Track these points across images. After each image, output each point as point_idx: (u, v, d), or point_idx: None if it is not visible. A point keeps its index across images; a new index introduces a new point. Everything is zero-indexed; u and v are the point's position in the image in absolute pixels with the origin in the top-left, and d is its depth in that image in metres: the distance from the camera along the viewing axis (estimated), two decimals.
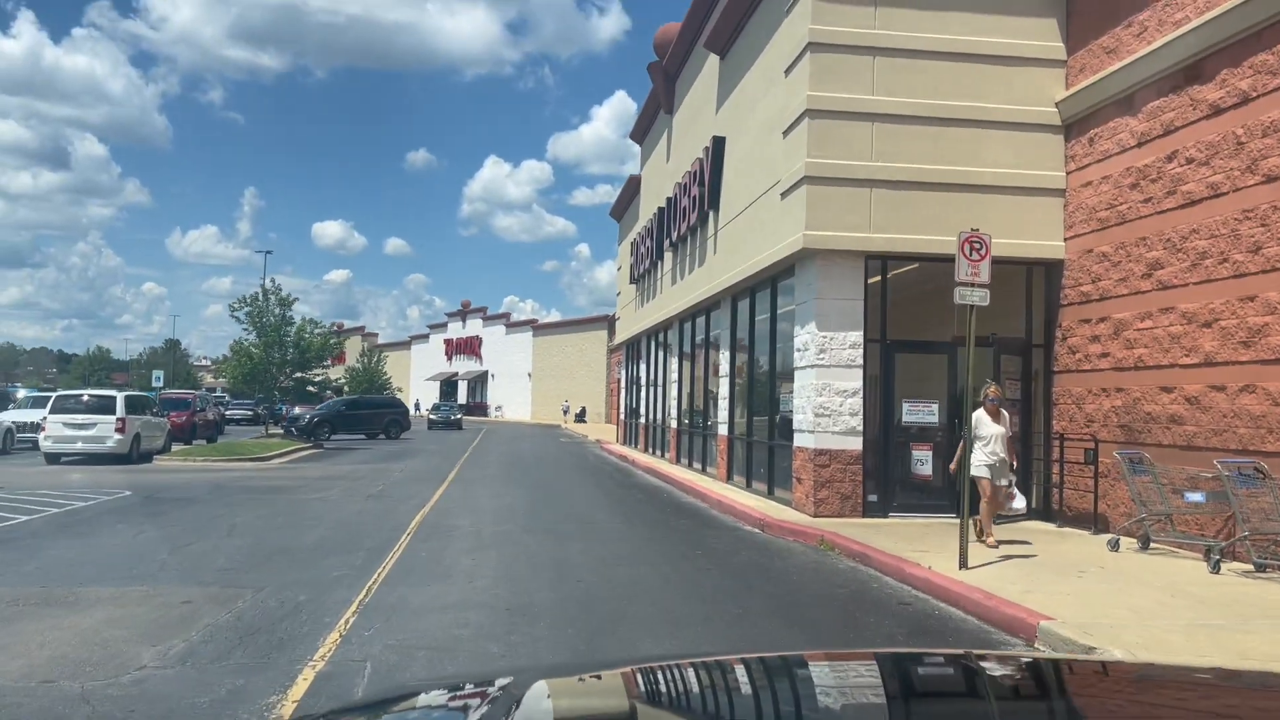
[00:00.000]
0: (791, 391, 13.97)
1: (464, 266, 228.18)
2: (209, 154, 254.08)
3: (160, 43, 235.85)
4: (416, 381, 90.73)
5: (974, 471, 9.92)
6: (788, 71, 13.65)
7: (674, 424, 23.35)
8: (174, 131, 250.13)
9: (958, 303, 9.21)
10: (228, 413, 44.11)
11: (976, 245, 9.19)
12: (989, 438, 10.08)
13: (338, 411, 35.14)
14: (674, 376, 23.39)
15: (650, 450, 27.57)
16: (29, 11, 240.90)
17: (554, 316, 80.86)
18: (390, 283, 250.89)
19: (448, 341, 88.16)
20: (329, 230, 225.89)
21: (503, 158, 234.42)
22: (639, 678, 2.23)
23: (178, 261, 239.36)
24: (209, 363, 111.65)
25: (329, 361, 34.21)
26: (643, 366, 29.16)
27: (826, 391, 12.78)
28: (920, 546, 10.27)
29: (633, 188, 31.25)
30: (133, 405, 24.27)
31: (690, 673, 2.25)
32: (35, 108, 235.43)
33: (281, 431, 33.13)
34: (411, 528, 12.51)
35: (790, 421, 14.07)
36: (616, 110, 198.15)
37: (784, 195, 13.59)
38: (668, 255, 23.55)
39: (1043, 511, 12.99)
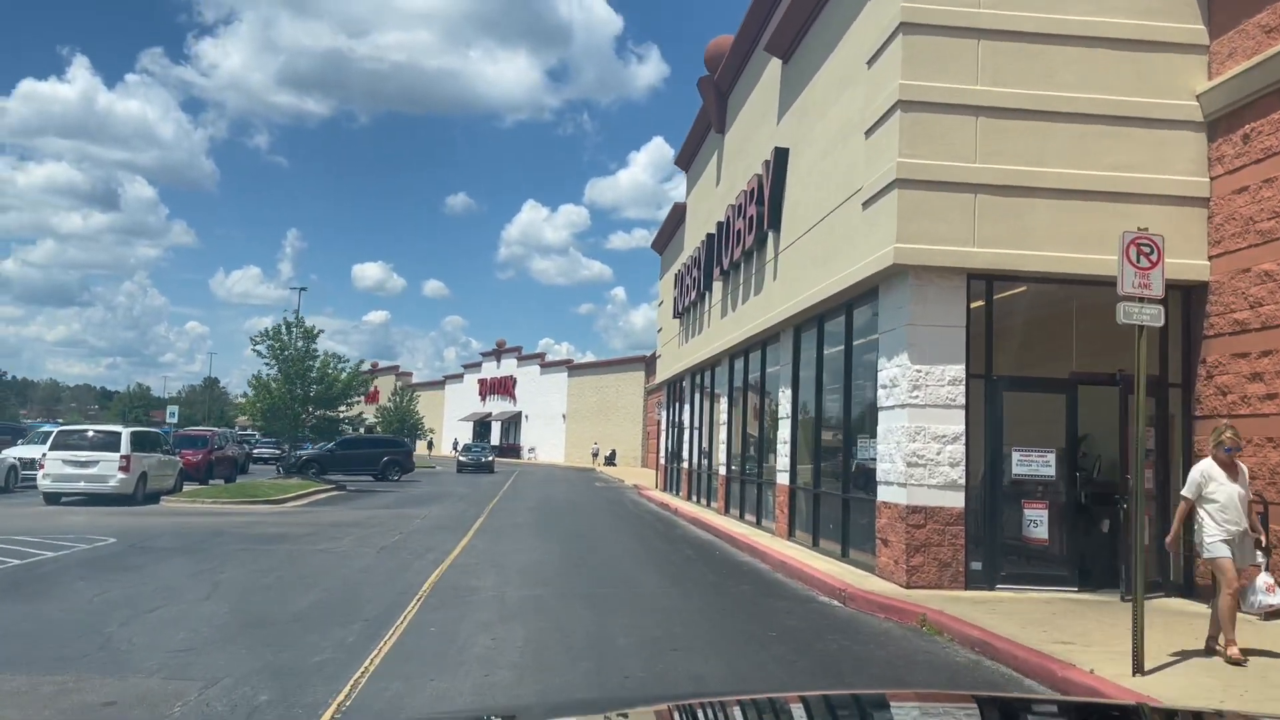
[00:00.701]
0: (872, 437, 11.87)
1: (500, 309, 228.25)
2: (253, 196, 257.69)
3: (210, 89, 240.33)
4: (450, 421, 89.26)
5: (1209, 551, 7.33)
6: (871, 61, 11.74)
7: (722, 471, 21.23)
8: (220, 174, 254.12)
9: (1122, 322, 7.12)
10: (256, 451, 42.55)
11: (1145, 249, 7.13)
12: (1225, 501, 7.34)
13: (328, 451, 32.73)
14: (723, 418, 21.31)
15: (695, 498, 25.41)
16: (84, 58, 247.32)
17: (590, 358, 79.18)
18: (428, 324, 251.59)
19: (481, 381, 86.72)
20: (369, 271, 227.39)
21: (540, 202, 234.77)
22: (676, 718, 1.94)
23: (220, 301, 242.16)
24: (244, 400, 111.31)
25: (356, 398, 32.53)
26: (686, 407, 27.12)
27: (921, 436, 10.66)
28: (1058, 635, 8.08)
29: (677, 217, 29.44)
30: (140, 442, 22.63)
31: (737, 712, 1.98)
32: (87, 151, 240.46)
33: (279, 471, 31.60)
34: (424, 590, 10.54)
35: (870, 472, 11.95)
36: (654, 156, 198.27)
37: (867, 205, 11.61)
38: (717, 286, 21.60)
39: (1183, 587, 10.70)
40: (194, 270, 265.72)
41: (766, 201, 16.24)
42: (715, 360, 22.20)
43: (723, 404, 21.45)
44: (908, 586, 10.51)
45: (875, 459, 11.68)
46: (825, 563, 12.73)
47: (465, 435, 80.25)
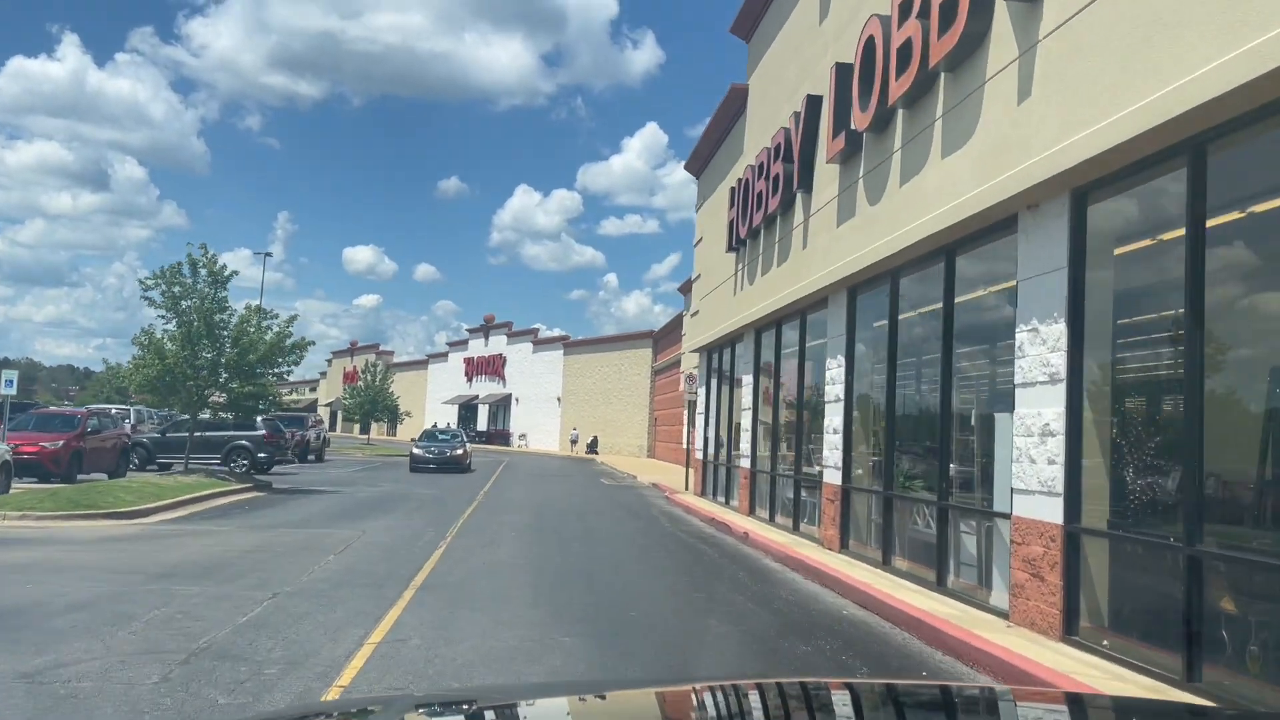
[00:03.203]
0: None
1: (492, 293, 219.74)
2: (245, 178, 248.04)
3: (200, 69, 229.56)
4: (433, 404, 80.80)
5: None
6: None
7: (834, 479, 13.03)
8: (212, 156, 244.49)
9: None
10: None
11: None
12: None
13: (158, 434, 27.41)
14: (835, 391, 13.09)
15: (763, 514, 17.23)
16: (74, 35, 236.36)
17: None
18: (419, 308, 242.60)
19: (468, 360, 78.17)
20: (360, 255, 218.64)
21: (533, 186, 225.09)
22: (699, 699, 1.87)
23: None
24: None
25: (288, 367, 24.15)
26: (745, 379, 18.86)
27: None
28: None
29: (729, 115, 21.06)
30: None
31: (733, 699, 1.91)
32: (77, 130, 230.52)
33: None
34: None
35: None
36: (647, 142, 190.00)
37: None
38: (827, 174, 13.43)
39: None
40: (184, 252, 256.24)
41: None
42: (813, 301, 13.99)
43: (834, 366, 13.23)
44: None
45: None
46: None
47: (450, 419, 71.86)
